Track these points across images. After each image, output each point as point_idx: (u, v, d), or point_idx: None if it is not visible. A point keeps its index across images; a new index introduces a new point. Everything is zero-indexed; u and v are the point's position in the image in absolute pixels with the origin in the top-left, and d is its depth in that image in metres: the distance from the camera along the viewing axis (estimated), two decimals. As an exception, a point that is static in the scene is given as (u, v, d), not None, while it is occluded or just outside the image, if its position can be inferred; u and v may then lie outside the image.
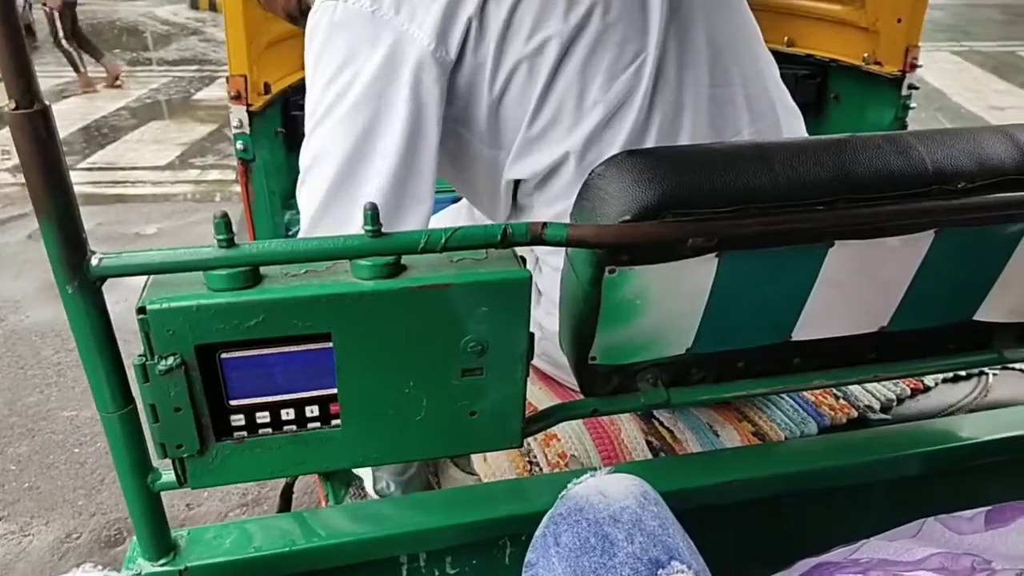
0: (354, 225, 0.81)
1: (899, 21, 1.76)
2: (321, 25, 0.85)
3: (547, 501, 0.76)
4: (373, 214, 0.61)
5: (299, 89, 1.67)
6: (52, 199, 0.55)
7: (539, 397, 1.04)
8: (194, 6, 11.70)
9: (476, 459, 0.97)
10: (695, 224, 0.66)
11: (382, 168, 0.84)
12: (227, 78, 1.40)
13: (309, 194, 0.87)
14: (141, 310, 0.58)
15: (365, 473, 1.06)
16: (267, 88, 1.52)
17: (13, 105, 0.52)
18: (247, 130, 1.45)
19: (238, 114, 1.43)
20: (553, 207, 0.91)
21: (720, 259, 0.71)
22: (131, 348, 0.61)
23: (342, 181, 0.85)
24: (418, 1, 0.82)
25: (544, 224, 0.66)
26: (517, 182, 0.93)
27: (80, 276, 0.58)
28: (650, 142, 0.89)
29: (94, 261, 0.58)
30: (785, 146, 0.72)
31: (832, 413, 1.02)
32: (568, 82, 0.86)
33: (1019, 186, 0.73)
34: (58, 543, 2.13)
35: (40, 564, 2.06)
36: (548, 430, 0.97)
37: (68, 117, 6.09)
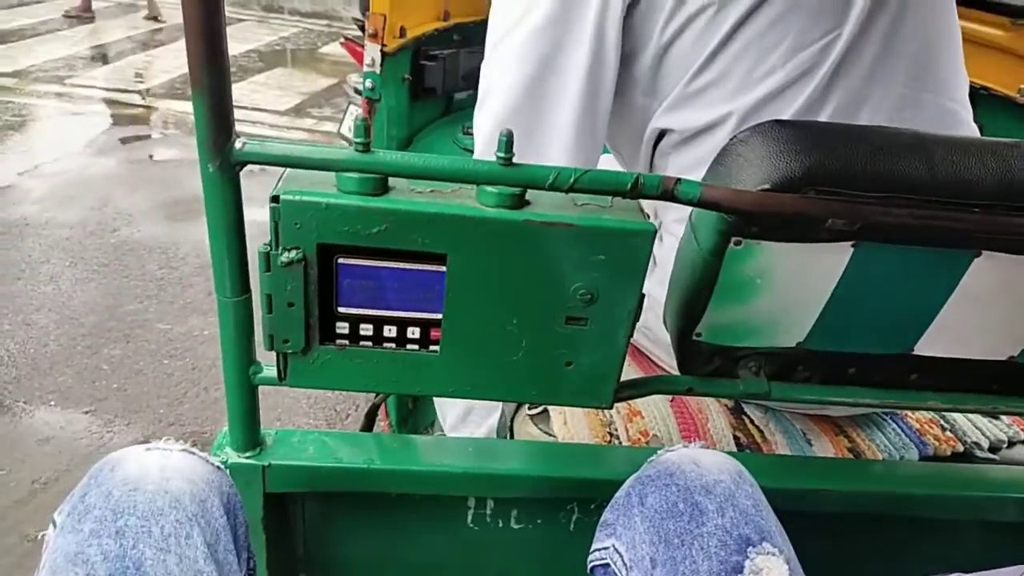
0: (528, 155, 0.81)
1: (1065, 54, 1.63)
2: None
3: (623, 471, 0.74)
4: (508, 141, 0.60)
5: (432, 39, 1.69)
6: (209, 73, 0.56)
7: (624, 370, 1.02)
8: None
9: (556, 420, 0.96)
10: (840, 204, 0.62)
11: (563, 103, 0.82)
12: (368, 15, 1.42)
13: (485, 118, 0.87)
14: (275, 199, 0.60)
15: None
16: (403, 32, 1.54)
17: None
18: (378, 70, 1.47)
19: (372, 52, 1.45)
20: (688, 175, 0.88)
21: (856, 249, 0.67)
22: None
23: (519, 109, 0.84)
24: None
25: (678, 180, 0.63)
26: (662, 135, 0.90)
27: (223, 156, 0.59)
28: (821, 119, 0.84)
29: (238, 144, 0.59)
30: (947, 140, 0.67)
31: (936, 443, 0.96)
32: (747, 42, 0.81)
33: None
34: (135, 444, 2.25)
35: (117, 459, 2.18)
36: (633, 404, 0.95)
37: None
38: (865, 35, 0.83)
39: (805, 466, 0.86)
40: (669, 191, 0.63)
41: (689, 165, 0.88)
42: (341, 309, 0.66)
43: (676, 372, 0.81)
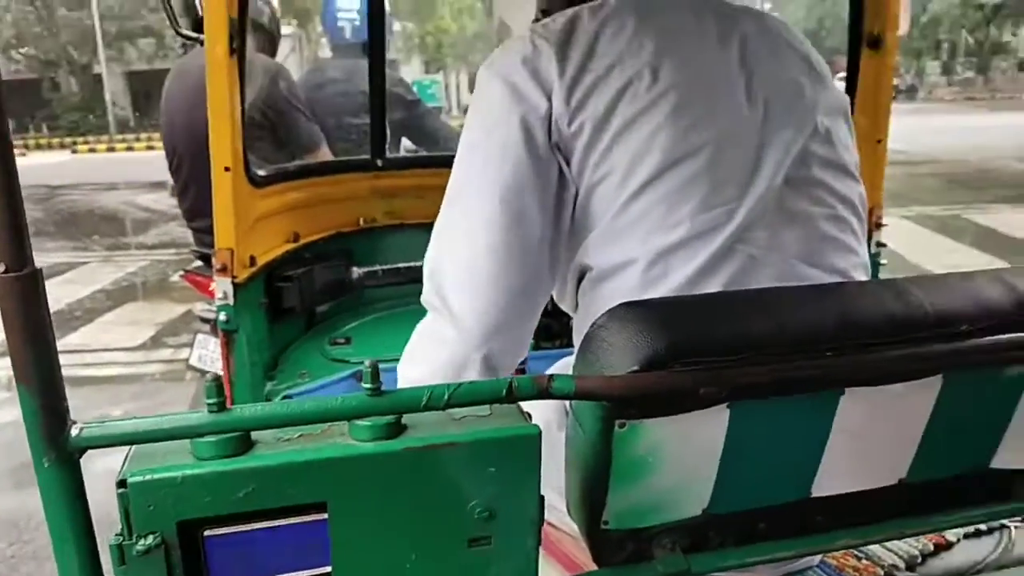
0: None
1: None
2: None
3: None
4: (373, 372, 0.59)
5: (284, 262, 1.69)
6: (36, 367, 0.52)
7: (545, 570, 0.96)
8: (174, 194, 12.10)
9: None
10: (705, 373, 0.64)
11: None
12: (214, 251, 1.41)
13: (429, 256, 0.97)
14: (121, 483, 0.54)
15: None
16: (252, 261, 1.53)
17: (3, 268, 0.50)
18: (231, 301, 1.44)
19: (223, 286, 1.42)
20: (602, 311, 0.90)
21: (732, 410, 0.68)
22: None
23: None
24: (546, 68, 0.90)
25: (550, 377, 0.63)
26: (584, 272, 0.94)
27: (58, 448, 0.53)
28: (719, 279, 0.88)
29: (75, 431, 0.54)
30: (785, 292, 0.72)
31: (857, 575, 0.96)
32: (657, 199, 0.88)
33: (1021, 328, 0.73)
34: None
35: None
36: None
37: (43, 301, 6.07)
38: (762, 213, 0.90)
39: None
40: (544, 389, 0.63)
41: (603, 304, 0.89)
42: (215, 587, 0.59)
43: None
